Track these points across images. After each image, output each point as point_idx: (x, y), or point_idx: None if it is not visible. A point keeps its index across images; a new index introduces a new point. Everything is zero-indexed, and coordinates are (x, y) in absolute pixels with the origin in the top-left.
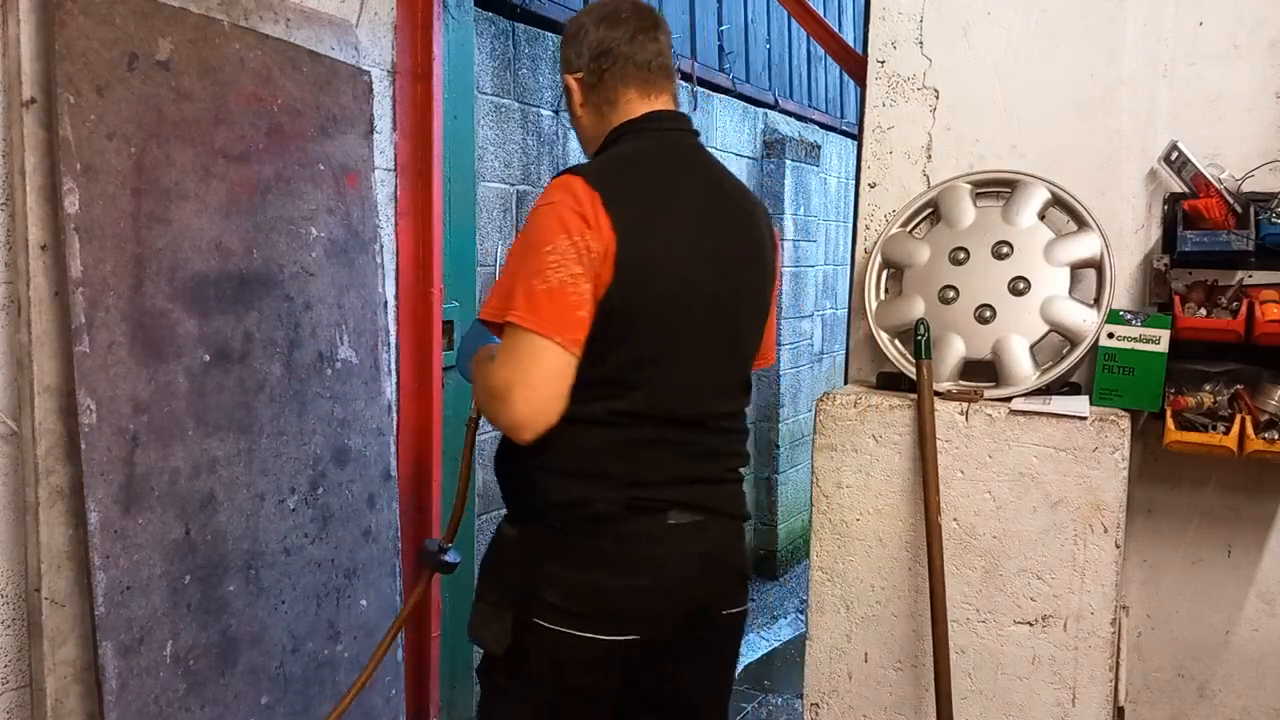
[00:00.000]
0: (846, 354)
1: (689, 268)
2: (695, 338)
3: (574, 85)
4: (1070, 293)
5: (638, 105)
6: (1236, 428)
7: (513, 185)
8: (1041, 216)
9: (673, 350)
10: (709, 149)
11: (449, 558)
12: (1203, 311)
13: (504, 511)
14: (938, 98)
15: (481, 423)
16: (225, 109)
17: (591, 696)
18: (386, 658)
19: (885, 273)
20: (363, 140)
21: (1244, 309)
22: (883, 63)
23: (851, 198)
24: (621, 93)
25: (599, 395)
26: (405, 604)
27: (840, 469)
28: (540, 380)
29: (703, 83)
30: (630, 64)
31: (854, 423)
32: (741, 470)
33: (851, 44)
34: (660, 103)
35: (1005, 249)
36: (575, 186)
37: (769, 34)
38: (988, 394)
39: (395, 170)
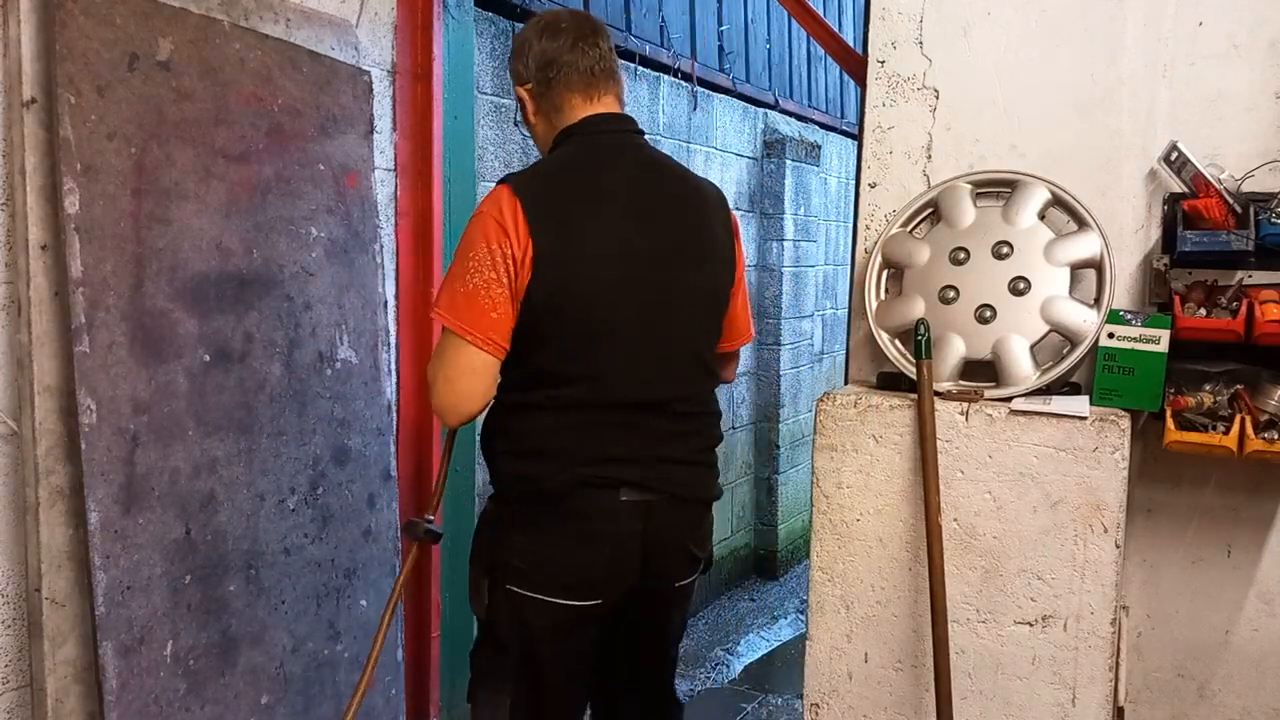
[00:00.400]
0: (846, 354)
1: (615, 264)
2: (631, 328)
3: (525, 96)
4: (1070, 293)
5: (580, 110)
6: (1236, 428)
7: None
8: (1041, 216)
9: (605, 341)
10: (709, 148)
11: (432, 528)
12: (1203, 311)
13: None
14: (938, 98)
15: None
16: (225, 109)
17: (562, 660)
18: (386, 658)
19: (885, 273)
20: (363, 140)
21: (1244, 309)
22: (883, 63)
23: (851, 198)
24: (567, 99)
25: (539, 385)
26: (401, 573)
27: (840, 469)
28: (456, 374)
29: (703, 83)
30: (573, 71)
31: (854, 423)
32: (715, 451)
33: (851, 44)
34: (603, 105)
35: (1005, 249)
36: (501, 195)
37: (769, 34)
38: (988, 394)
39: (395, 170)
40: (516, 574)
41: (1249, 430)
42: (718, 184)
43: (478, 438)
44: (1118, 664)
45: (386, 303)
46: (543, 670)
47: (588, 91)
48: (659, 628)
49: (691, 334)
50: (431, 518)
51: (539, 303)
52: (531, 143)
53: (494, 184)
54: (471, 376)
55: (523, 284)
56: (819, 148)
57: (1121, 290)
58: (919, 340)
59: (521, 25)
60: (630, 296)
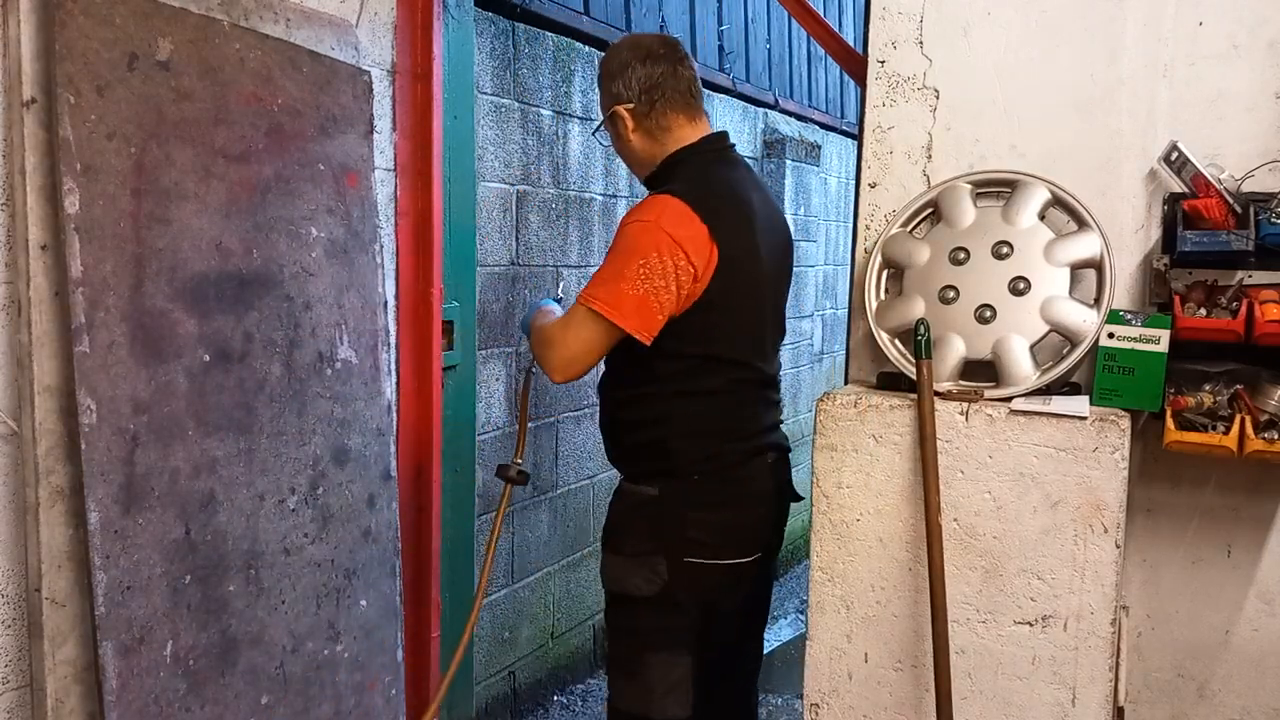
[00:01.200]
0: (846, 354)
1: (757, 263)
2: (764, 317)
3: (625, 115)
4: (1070, 293)
5: (688, 130)
6: (1236, 428)
7: (513, 185)
8: (1041, 216)
9: (754, 328)
10: None
11: (523, 468)
12: (1203, 311)
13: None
14: (938, 98)
15: (484, 423)
16: (225, 109)
17: (735, 614)
18: (385, 658)
19: (885, 273)
20: (363, 140)
21: (1244, 309)
22: (883, 63)
23: (851, 198)
24: (672, 119)
25: (703, 374)
26: (496, 518)
27: (840, 469)
28: (586, 351)
29: (703, 82)
30: (675, 93)
31: (854, 423)
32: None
33: (851, 44)
34: (704, 125)
35: (1005, 249)
36: (678, 208)
37: (769, 34)
38: (988, 394)
39: (395, 170)
40: (697, 546)
41: (1249, 430)
42: None
43: (605, 429)
44: (1118, 664)
45: (386, 303)
46: (717, 624)
47: (689, 112)
48: (773, 569)
49: (781, 317)
50: (520, 461)
51: (715, 300)
52: (532, 142)
53: (494, 183)
54: (598, 356)
55: (699, 289)
56: (819, 148)
57: (1121, 290)
58: (919, 340)
59: (522, 25)
60: (763, 291)
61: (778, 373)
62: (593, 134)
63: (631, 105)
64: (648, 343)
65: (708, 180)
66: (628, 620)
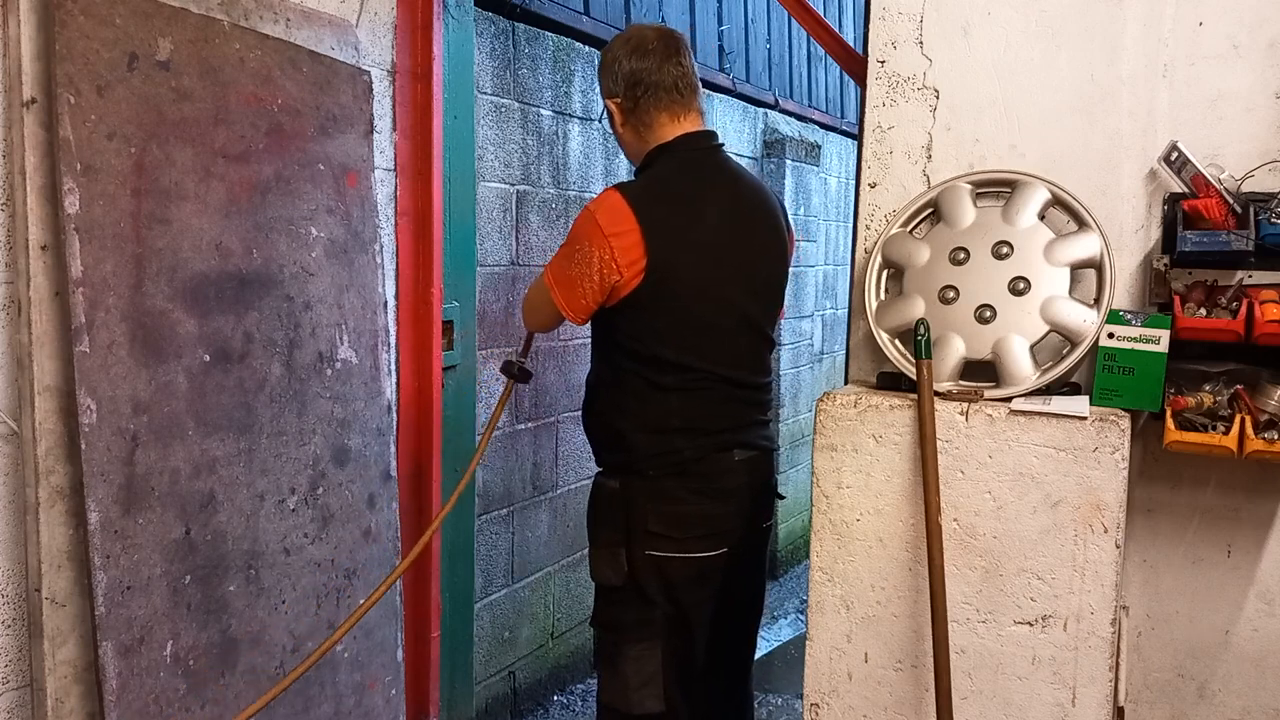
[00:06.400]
0: (846, 354)
1: (716, 268)
2: (729, 320)
3: (614, 109)
4: (1070, 293)
5: (669, 128)
6: (1236, 428)
7: (513, 185)
8: (1041, 216)
9: (711, 332)
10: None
11: (526, 367)
12: (1203, 311)
13: (503, 512)
14: (938, 98)
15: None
16: (225, 109)
17: (703, 606)
18: (385, 658)
19: (885, 273)
20: (363, 140)
21: (1244, 309)
22: (883, 63)
23: (851, 198)
24: (655, 116)
25: (664, 370)
26: (496, 409)
27: (840, 469)
28: (544, 317)
29: (703, 83)
30: (660, 90)
31: (854, 423)
32: (770, 414)
33: (851, 44)
34: (689, 122)
35: (1005, 249)
36: (613, 201)
37: (769, 34)
38: (988, 394)
39: (395, 170)
40: (657, 539)
41: (1249, 430)
42: None
43: (582, 417)
44: (1118, 664)
45: (386, 303)
46: (689, 618)
47: (673, 110)
48: (759, 567)
49: (766, 319)
50: (524, 359)
51: (644, 304)
52: (532, 142)
53: (494, 183)
54: (550, 320)
55: (624, 286)
56: (819, 148)
57: (1121, 290)
58: (919, 340)
59: (522, 25)
60: (727, 295)
61: (758, 377)
62: (599, 120)
63: (619, 100)
64: (576, 323)
65: (665, 182)
66: (605, 612)
